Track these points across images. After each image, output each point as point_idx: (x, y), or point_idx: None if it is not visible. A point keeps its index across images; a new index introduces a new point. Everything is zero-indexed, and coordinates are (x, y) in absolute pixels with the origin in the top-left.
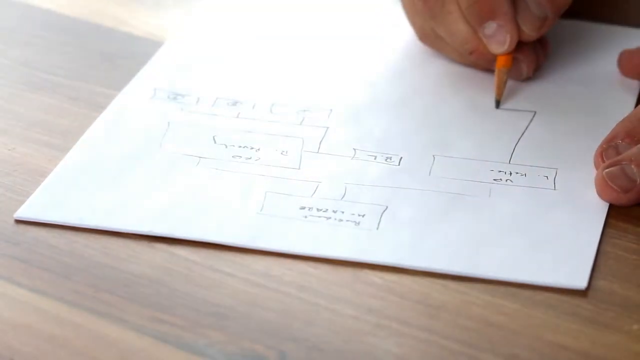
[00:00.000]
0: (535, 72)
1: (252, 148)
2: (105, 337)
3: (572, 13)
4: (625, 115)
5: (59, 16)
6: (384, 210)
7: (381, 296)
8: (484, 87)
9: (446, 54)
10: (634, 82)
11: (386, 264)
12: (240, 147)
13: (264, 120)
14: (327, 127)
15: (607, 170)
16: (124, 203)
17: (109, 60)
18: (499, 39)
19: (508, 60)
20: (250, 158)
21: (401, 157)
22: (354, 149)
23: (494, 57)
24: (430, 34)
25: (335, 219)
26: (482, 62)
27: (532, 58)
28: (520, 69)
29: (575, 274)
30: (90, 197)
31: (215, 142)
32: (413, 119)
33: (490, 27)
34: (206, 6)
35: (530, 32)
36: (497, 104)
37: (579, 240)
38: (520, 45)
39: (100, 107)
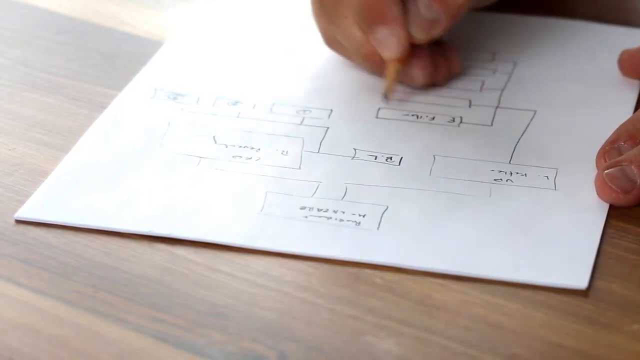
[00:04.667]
0: (445, 83)
1: (252, 148)
2: (105, 337)
3: (572, 13)
4: (626, 115)
5: (59, 16)
6: (385, 211)
7: (381, 296)
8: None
9: (349, 59)
10: (634, 82)
11: (386, 264)
12: (240, 147)
13: (264, 120)
14: (327, 127)
15: (607, 171)
16: (124, 203)
17: (109, 60)
18: (388, 44)
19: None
20: (250, 158)
21: (401, 157)
22: (354, 149)
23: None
24: (333, 38)
25: (335, 219)
26: (377, 68)
27: (427, 64)
28: (412, 74)
29: (575, 274)
30: (90, 197)
31: (215, 142)
32: (413, 118)
33: (381, 32)
34: (206, 6)
35: (417, 34)
36: (385, 98)
37: (579, 240)
38: (416, 51)
39: (100, 107)
